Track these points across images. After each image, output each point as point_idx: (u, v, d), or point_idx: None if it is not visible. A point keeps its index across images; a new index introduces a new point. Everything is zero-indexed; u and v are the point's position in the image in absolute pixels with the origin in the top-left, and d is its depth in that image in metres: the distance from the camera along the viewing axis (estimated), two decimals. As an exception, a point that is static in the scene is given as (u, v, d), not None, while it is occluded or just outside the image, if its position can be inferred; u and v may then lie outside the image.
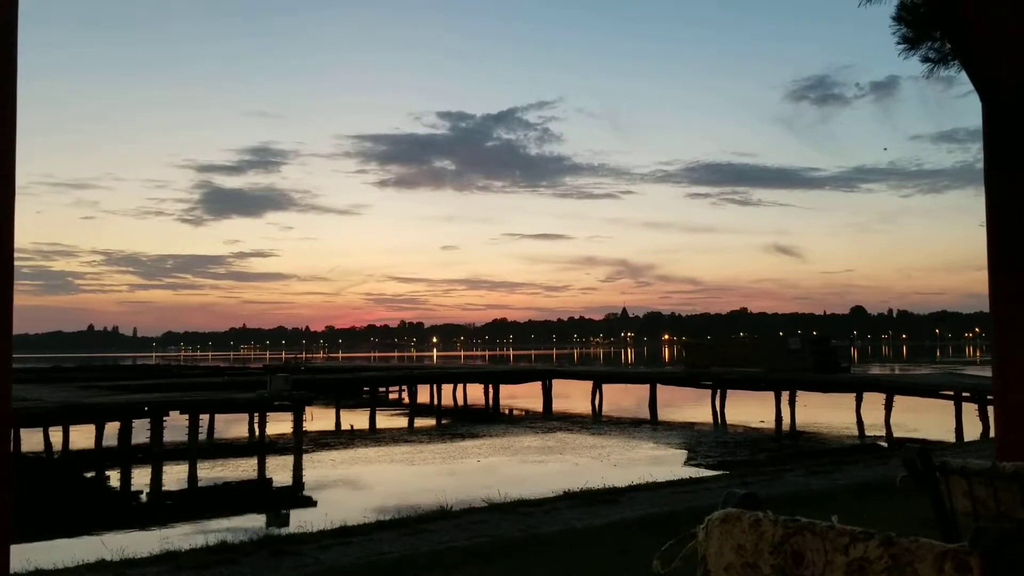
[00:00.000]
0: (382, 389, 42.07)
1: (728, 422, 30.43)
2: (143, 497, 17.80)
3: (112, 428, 21.89)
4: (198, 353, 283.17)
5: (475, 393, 41.58)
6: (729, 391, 33.54)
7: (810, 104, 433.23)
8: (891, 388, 29.22)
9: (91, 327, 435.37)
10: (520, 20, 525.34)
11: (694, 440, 25.25)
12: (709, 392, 34.33)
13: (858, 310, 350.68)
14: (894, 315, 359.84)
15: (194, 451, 21.57)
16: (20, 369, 56.79)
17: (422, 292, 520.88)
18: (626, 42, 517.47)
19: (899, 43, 6.73)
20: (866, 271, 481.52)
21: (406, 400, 39.24)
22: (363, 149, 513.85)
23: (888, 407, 28.20)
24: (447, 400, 40.62)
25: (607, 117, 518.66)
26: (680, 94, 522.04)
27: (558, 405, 37.18)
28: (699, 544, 1.99)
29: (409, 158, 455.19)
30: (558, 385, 40.22)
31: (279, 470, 20.34)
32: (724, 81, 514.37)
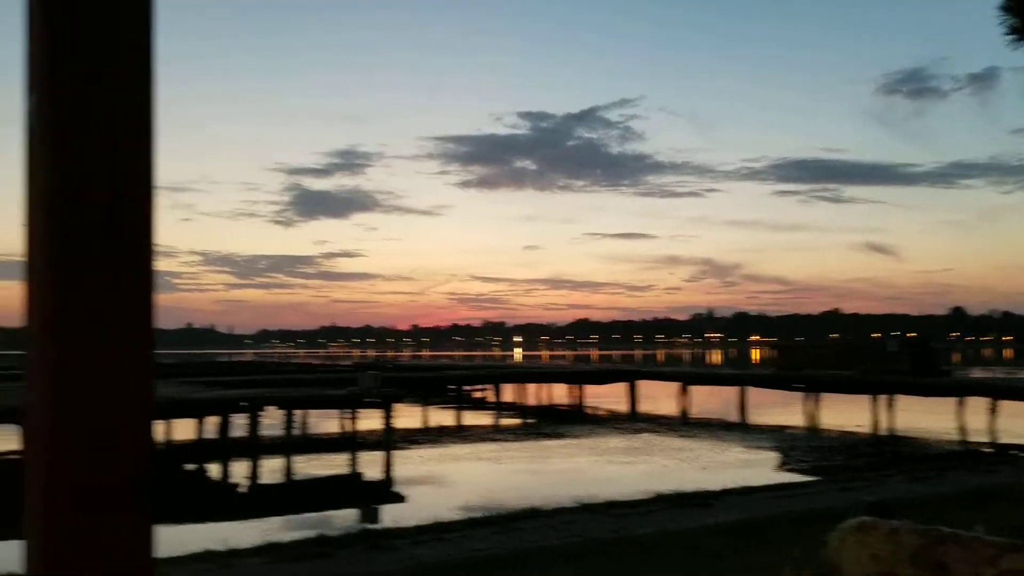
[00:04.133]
0: (467, 388, 42.35)
1: (822, 426, 29.64)
2: (242, 489, 18.32)
3: (212, 422, 22.59)
4: (290, 350, 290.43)
5: (559, 393, 41.52)
6: (823, 394, 32.67)
7: (903, 98, 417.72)
8: (995, 392, 28.00)
9: (189, 325, 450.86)
10: (600, 18, 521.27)
11: (787, 444, 24.67)
12: (801, 395, 33.50)
13: (958, 311, 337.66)
14: (997, 316, 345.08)
15: (289, 445, 22.12)
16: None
17: (504, 292, 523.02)
18: (709, 37, 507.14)
19: (1007, 34, 6.43)
20: (966, 270, 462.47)
21: (491, 399, 39.42)
22: (445, 150, 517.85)
23: (993, 412, 27.03)
24: (532, 399, 40.66)
25: (690, 114, 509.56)
26: (766, 89, 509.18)
27: (643, 406, 36.82)
28: (831, 552, 1.92)
29: (490, 159, 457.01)
30: (643, 386, 39.82)
31: (369, 466, 20.68)
32: (812, 75, 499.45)
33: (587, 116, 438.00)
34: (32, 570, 1.51)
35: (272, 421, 23.81)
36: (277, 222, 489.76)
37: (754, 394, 35.93)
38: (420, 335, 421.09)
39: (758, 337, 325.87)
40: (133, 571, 1.51)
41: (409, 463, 20.94)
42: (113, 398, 1.50)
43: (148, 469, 1.62)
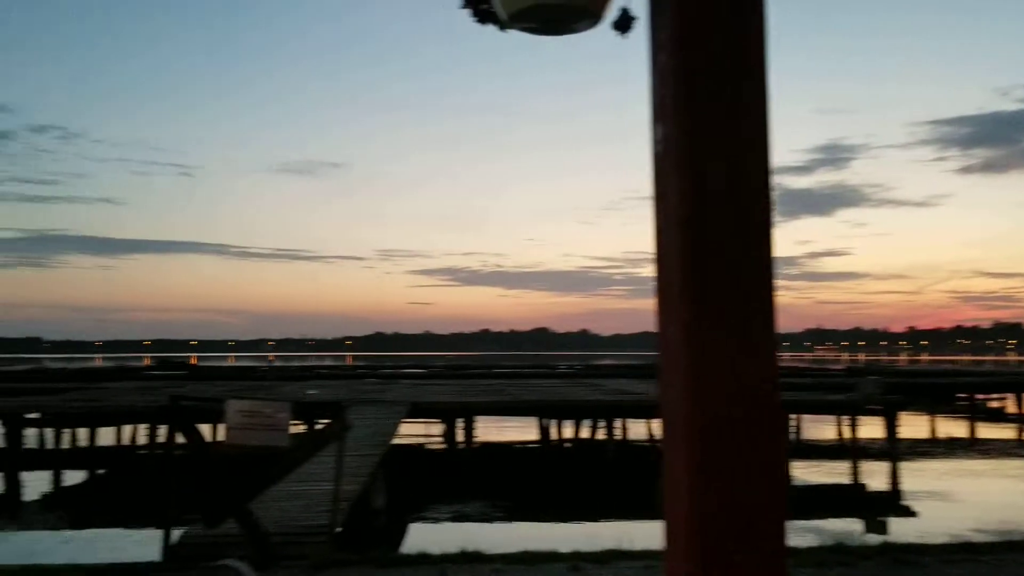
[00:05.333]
0: (980, 396, 37.96)
1: None
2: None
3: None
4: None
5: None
6: None
7: None
8: None
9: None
10: None
11: None
12: None
13: None
14: None
15: (791, 450, 21.89)
16: (617, 365, 63.93)
17: (1020, 288, 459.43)
18: None
19: None
20: None
21: (1011, 410, 34.90)
22: (941, 135, 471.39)
23: None
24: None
25: None
26: None
27: None
28: None
29: (997, 139, 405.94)
30: None
31: (872, 475, 19.59)
32: None
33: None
34: (673, 549, 1.69)
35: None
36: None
37: None
38: (917, 337, 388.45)
39: None
40: (770, 554, 1.61)
41: (917, 476, 19.39)
42: (742, 396, 1.62)
43: (783, 456, 1.71)
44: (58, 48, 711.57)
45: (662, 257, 1.70)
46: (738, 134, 1.64)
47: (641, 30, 1.90)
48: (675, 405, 1.66)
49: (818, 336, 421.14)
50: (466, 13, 2.04)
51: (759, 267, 1.63)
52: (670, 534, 1.70)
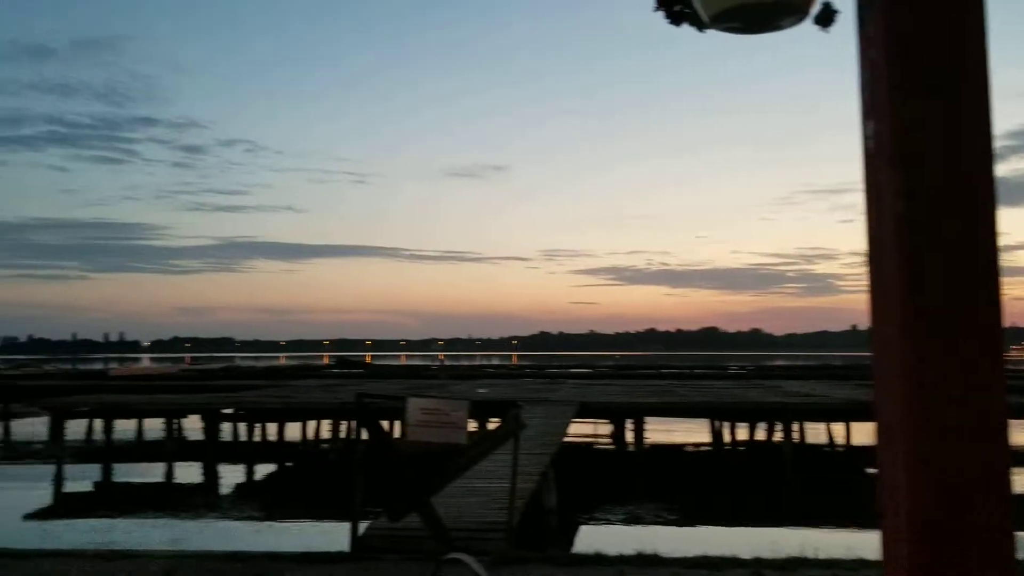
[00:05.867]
0: None
1: None
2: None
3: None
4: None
5: None
6: None
7: None
8: None
9: (855, 327, 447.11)
10: None
11: None
12: None
13: None
14: None
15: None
16: (792, 366, 61.75)
17: None
18: None
19: None
20: None
21: None
22: None
23: None
24: None
25: None
26: None
27: None
28: None
29: None
30: None
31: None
32: None
33: None
34: (892, 558, 1.63)
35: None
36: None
37: None
38: None
39: None
40: (1000, 568, 1.53)
41: None
42: (965, 398, 1.54)
43: (1009, 463, 1.62)
44: (244, 68, 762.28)
45: (876, 255, 1.65)
46: (955, 131, 1.57)
47: (846, 24, 1.85)
48: (892, 408, 1.61)
49: (1014, 335, 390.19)
50: (660, 15, 2.04)
51: (982, 264, 1.56)
52: (888, 542, 1.65)
